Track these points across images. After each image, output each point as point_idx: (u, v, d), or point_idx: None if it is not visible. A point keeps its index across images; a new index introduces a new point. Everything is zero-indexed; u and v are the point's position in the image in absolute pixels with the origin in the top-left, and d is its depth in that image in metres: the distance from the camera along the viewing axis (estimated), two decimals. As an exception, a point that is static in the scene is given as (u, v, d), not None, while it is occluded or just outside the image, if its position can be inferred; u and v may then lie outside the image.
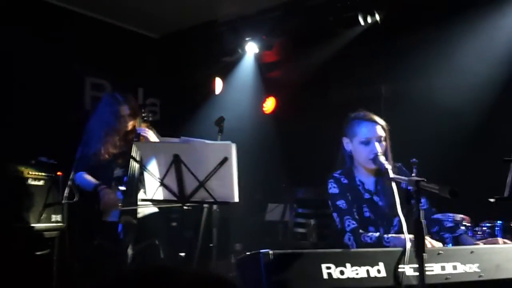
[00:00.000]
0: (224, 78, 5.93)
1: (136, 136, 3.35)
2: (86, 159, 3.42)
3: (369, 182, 2.62)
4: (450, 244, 2.40)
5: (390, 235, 2.30)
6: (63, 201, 3.79)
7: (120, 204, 3.18)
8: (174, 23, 5.64)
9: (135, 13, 5.34)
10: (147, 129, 3.36)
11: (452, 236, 2.42)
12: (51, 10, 4.93)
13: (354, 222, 2.45)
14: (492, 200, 1.92)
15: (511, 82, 4.07)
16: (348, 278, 1.72)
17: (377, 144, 2.49)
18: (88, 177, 3.42)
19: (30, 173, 3.92)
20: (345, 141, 2.64)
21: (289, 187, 4.38)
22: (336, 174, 2.62)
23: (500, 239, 2.17)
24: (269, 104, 6.12)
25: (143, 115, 3.49)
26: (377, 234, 2.34)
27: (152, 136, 3.33)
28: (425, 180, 1.76)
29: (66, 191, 3.73)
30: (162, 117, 5.95)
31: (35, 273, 3.69)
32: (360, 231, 2.41)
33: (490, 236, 3.05)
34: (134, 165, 3.31)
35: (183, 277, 0.56)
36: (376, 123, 2.55)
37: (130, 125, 3.42)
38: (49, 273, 3.80)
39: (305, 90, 5.73)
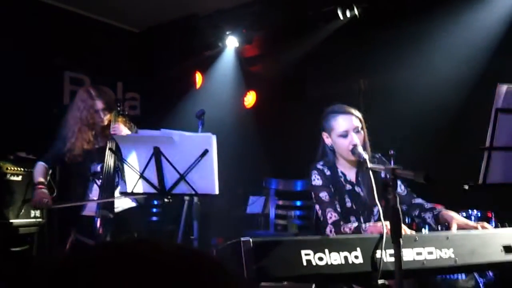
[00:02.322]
0: (204, 72, 5.92)
1: (111, 130, 3.33)
2: (57, 153, 3.38)
3: (350, 173, 2.67)
4: (432, 225, 2.47)
5: (368, 224, 2.35)
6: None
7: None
8: (154, 17, 5.61)
9: (115, 7, 5.29)
10: (121, 124, 3.34)
11: (433, 215, 2.49)
12: (31, 4, 4.86)
13: (336, 215, 2.49)
14: (466, 186, 1.97)
15: (481, 77, 4.18)
16: (327, 264, 1.75)
17: (354, 135, 2.54)
18: (39, 172, 3.37)
19: (9, 168, 3.87)
20: (325, 135, 2.67)
21: (270, 179, 4.40)
22: (319, 165, 2.65)
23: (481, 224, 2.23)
24: (250, 98, 6.13)
25: (118, 109, 3.46)
26: (356, 224, 2.39)
27: (126, 131, 3.30)
28: (401, 167, 1.80)
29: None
30: (142, 111, 5.93)
31: (14, 269, 3.66)
32: (340, 222, 2.46)
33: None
34: (110, 160, 3.30)
35: (169, 249, 0.57)
36: (352, 114, 2.60)
37: (105, 119, 3.38)
38: (28, 269, 3.77)
39: (284, 84, 5.77)
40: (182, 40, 5.65)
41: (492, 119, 2.10)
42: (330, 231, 2.47)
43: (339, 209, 2.54)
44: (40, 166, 3.39)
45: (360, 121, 2.62)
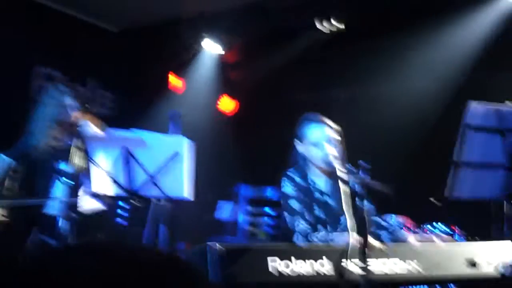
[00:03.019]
0: (183, 76, 5.88)
1: (79, 129, 3.25)
2: (21, 149, 3.29)
3: (320, 182, 2.66)
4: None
5: (334, 233, 2.35)
6: (2, 193, 3.64)
7: None
8: (133, 18, 5.56)
9: (94, 5, 5.22)
10: (90, 122, 3.28)
11: (388, 232, 2.49)
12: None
13: (304, 222, 2.48)
14: (432, 199, 2.00)
15: (456, 93, 4.27)
16: (293, 271, 1.74)
17: (327, 145, 2.54)
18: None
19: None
20: (297, 143, 2.67)
21: (240, 185, 4.39)
22: (290, 172, 2.64)
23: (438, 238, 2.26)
24: (225, 103, 6.11)
25: (88, 107, 3.39)
26: (322, 233, 2.39)
27: (94, 129, 3.24)
28: (369, 178, 1.81)
29: (9, 183, 3.59)
30: (115, 110, 5.83)
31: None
32: (308, 231, 2.45)
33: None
34: (75, 159, 3.22)
35: (143, 253, 0.56)
36: (326, 124, 2.60)
37: (73, 117, 3.31)
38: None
39: (262, 91, 5.78)
40: (161, 42, 5.60)
41: (460, 134, 2.14)
42: (297, 238, 2.47)
43: (308, 218, 2.53)
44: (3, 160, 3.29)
45: (336, 132, 2.62)
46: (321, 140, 2.55)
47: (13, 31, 4.68)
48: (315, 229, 2.52)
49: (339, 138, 2.64)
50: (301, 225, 2.48)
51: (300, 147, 2.65)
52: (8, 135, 3.64)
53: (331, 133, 2.59)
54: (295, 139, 2.67)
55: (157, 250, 0.59)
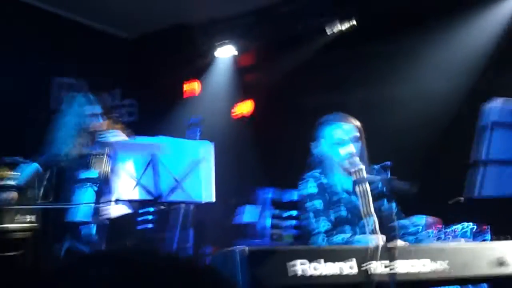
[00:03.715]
0: (201, 80, 5.94)
1: (107, 137, 3.33)
2: (52, 158, 3.39)
3: (347, 182, 2.65)
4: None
5: (358, 236, 2.34)
6: (38, 201, 3.75)
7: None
8: (150, 25, 5.65)
9: (111, 13, 5.33)
10: (117, 130, 3.35)
11: (415, 238, 2.48)
12: (26, 9, 4.87)
13: (329, 223, 2.48)
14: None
15: (472, 91, 4.22)
16: (321, 274, 1.75)
17: (351, 144, 2.53)
18: (29, 173, 3.39)
19: (4, 172, 3.85)
20: (317, 143, 2.66)
21: (265, 189, 4.41)
22: (316, 173, 2.64)
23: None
24: (245, 107, 6.13)
25: (114, 115, 3.48)
26: (348, 235, 2.39)
27: (122, 137, 3.31)
28: (396, 178, 1.81)
29: (41, 191, 3.69)
30: (140, 117, 5.93)
31: (8, 274, 3.63)
32: (332, 231, 2.45)
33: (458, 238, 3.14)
34: (105, 166, 3.30)
35: (165, 258, 0.58)
36: (350, 123, 2.59)
37: (102, 125, 3.39)
38: (20, 274, 3.74)
39: (279, 93, 5.79)
40: (178, 48, 5.68)
41: (479, 132, 2.11)
42: (323, 239, 2.47)
43: (332, 218, 2.53)
44: (34, 167, 3.40)
45: (359, 130, 2.61)
46: (346, 139, 2.54)
47: (34, 42, 4.80)
48: (341, 229, 2.51)
49: (363, 136, 2.63)
50: (326, 226, 2.48)
51: (321, 148, 2.64)
52: (34, 144, 3.75)
53: (355, 132, 2.58)
54: (314, 141, 2.67)
55: (179, 257, 0.61)
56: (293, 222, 4.31)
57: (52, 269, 0.56)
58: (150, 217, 4.71)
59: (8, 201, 3.20)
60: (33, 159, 3.47)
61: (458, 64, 4.38)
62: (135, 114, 5.94)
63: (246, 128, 5.97)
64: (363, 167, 2.35)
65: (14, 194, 3.25)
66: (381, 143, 2.70)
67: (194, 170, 2.61)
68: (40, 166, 3.41)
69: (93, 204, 3.25)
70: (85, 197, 3.37)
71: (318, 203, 2.56)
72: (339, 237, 2.40)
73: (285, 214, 4.35)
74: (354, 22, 4.62)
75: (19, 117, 4.55)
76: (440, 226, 3.24)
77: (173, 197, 2.71)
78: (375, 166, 2.71)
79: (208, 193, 2.67)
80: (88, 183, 3.35)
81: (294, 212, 4.35)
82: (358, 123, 2.64)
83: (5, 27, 4.62)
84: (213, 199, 2.68)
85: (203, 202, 2.72)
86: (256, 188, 4.76)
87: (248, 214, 4.97)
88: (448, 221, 3.08)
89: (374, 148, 2.69)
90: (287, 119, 5.62)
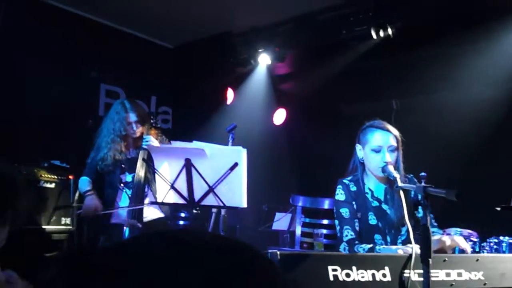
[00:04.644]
0: (236, 88, 6.00)
1: (143, 142, 3.41)
2: (94, 164, 3.49)
3: (378, 190, 2.64)
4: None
5: (382, 246, 2.33)
6: (73, 204, 3.85)
7: (99, 211, 3.29)
8: (188, 33, 5.74)
9: (151, 22, 5.45)
10: (153, 136, 3.42)
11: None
12: (71, 18, 5.04)
13: (353, 233, 2.48)
14: (498, 208, 1.94)
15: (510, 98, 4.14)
16: (354, 281, 1.74)
17: (388, 153, 2.52)
18: (86, 183, 3.49)
19: (43, 175, 3.98)
20: (358, 148, 2.67)
21: (296, 196, 4.39)
22: (345, 180, 2.65)
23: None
24: (280, 115, 6.16)
25: (151, 122, 3.56)
26: (370, 245, 2.37)
27: (157, 144, 3.38)
28: (432, 186, 1.79)
29: (77, 194, 3.80)
30: (174, 125, 6.03)
31: (45, 275, 3.73)
32: (354, 241, 2.44)
33: (495, 251, 3.05)
34: (140, 170, 3.37)
35: (223, 241, 0.58)
36: (390, 132, 2.58)
37: (138, 132, 3.49)
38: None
39: (316, 102, 5.78)
40: (216, 57, 5.75)
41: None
42: (344, 249, 2.47)
43: (357, 228, 2.52)
44: (85, 179, 3.51)
45: (397, 141, 2.59)
46: (383, 147, 2.53)
47: (79, 50, 4.96)
48: (371, 239, 2.50)
49: (401, 147, 2.61)
50: (349, 235, 2.48)
51: (360, 153, 2.65)
52: (77, 150, 3.87)
53: (393, 142, 2.56)
54: (357, 144, 2.67)
55: (243, 243, 0.61)
56: (324, 231, 4.28)
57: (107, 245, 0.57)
58: (182, 221, 4.77)
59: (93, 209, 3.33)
60: (83, 173, 3.58)
61: (500, 70, 4.29)
62: (169, 122, 6.04)
63: (281, 136, 5.98)
64: (397, 176, 2.34)
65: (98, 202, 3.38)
66: (421, 151, 2.67)
67: (227, 175, 2.63)
68: (88, 176, 3.53)
69: (127, 208, 3.33)
70: (122, 201, 3.45)
71: (344, 211, 2.56)
72: (360, 248, 2.39)
73: (316, 223, 4.32)
74: (394, 30, 4.56)
75: (70, 124, 4.70)
76: (475, 239, 3.16)
77: (205, 202, 2.74)
78: (409, 175, 2.69)
79: (240, 199, 2.69)
80: (126, 187, 3.44)
81: (325, 221, 4.32)
82: (397, 133, 2.62)
83: (56, 37, 4.79)
84: (245, 205, 2.69)
85: (234, 207, 2.74)
86: (287, 195, 4.75)
87: (280, 221, 4.97)
88: (484, 234, 3.01)
89: (414, 156, 2.66)
90: (321, 128, 5.61)
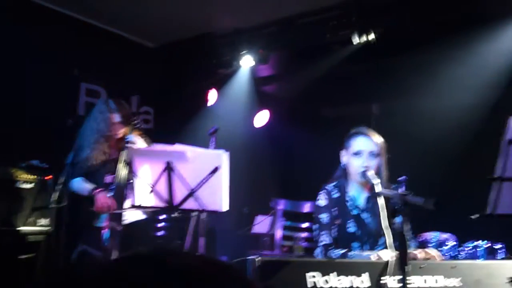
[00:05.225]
0: (218, 90, 5.98)
1: (125, 143, 3.38)
2: (80, 164, 3.44)
3: (360, 198, 2.66)
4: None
5: (353, 252, 2.36)
6: (51, 205, 3.79)
7: (113, 208, 3.22)
8: (171, 34, 5.70)
9: (134, 22, 5.39)
10: (136, 137, 3.39)
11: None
12: (51, 15, 4.96)
13: (329, 239, 2.51)
14: (473, 217, 1.97)
15: (493, 107, 4.21)
16: (332, 287, 1.75)
17: (368, 158, 2.54)
18: (84, 182, 3.44)
19: (20, 176, 3.91)
20: (342, 153, 2.69)
21: (277, 200, 4.41)
22: (328, 186, 2.67)
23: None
24: (262, 118, 6.17)
25: (134, 122, 3.52)
26: (344, 250, 2.40)
27: (140, 144, 3.35)
28: (411, 193, 1.81)
29: (55, 195, 3.74)
30: (155, 125, 5.98)
31: (19, 276, 3.67)
32: (331, 247, 2.49)
33: (472, 256, 3.10)
34: (121, 172, 3.33)
35: (199, 262, 0.58)
36: (371, 138, 2.60)
37: (120, 132, 3.45)
38: (32, 277, 3.78)
39: (298, 105, 5.81)
40: (198, 58, 5.73)
41: (503, 149, 2.10)
42: (319, 253, 2.51)
43: (334, 234, 2.55)
44: (80, 179, 3.46)
45: (380, 148, 2.62)
46: (363, 152, 2.55)
47: (59, 48, 4.89)
48: (347, 246, 2.51)
49: (383, 154, 2.63)
50: (325, 240, 2.50)
51: (344, 158, 2.67)
52: (56, 150, 3.81)
53: (374, 148, 2.58)
54: (342, 150, 2.69)
55: (211, 259, 0.62)
56: (304, 234, 4.30)
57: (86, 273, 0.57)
58: (161, 224, 4.74)
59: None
60: (74, 174, 3.52)
61: (481, 78, 4.37)
62: (151, 122, 6.00)
63: (262, 138, 5.99)
64: (377, 181, 2.36)
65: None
66: (401, 156, 2.69)
67: (208, 179, 2.63)
68: (78, 173, 3.47)
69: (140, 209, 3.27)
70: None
71: (324, 216, 2.59)
72: (333, 253, 2.43)
73: (297, 226, 4.34)
74: (376, 35, 4.60)
75: (49, 123, 4.61)
76: (453, 243, 3.21)
77: (185, 205, 2.73)
78: (392, 186, 2.71)
79: (220, 202, 2.68)
80: (107, 189, 3.40)
81: (306, 224, 4.35)
82: (380, 140, 2.65)
83: (36, 34, 4.71)
84: (226, 209, 2.68)
85: (215, 211, 2.73)
86: (268, 198, 4.77)
87: (260, 225, 4.98)
88: (462, 238, 3.06)
89: (393, 160, 2.69)
90: (303, 130, 5.63)
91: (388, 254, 1.88)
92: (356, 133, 2.65)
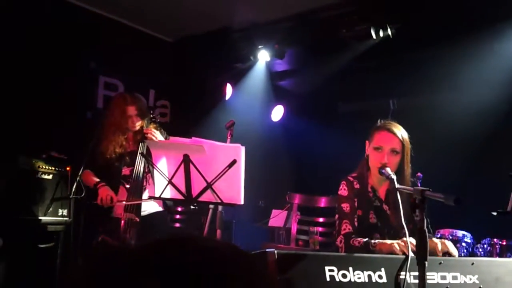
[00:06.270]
0: (235, 84, 6.00)
1: (143, 136, 3.42)
2: (95, 157, 3.48)
3: (381, 190, 2.66)
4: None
5: (377, 240, 2.33)
6: (70, 196, 3.85)
7: (116, 202, 3.26)
8: (188, 28, 5.72)
9: (152, 16, 5.42)
10: (154, 130, 3.42)
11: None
12: (69, 9, 5.01)
13: (350, 227, 2.51)
14: (494, 213, 1.96)
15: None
16: (350, 281, 1.76)
17: (388, 154, 2.52)
18: (92, 176, 3.49)
19: (41, 167, 3.98)
20: (366, 144, 2.68)
21: (293, 194, 4.41)
22: (350, 177, 2.67)
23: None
24: (278, 112, 6.17)
25: (151, 116, 3.56)
26: (366, 239, 2.38)
27: (159, 137, 3.39)
28: (430, 189, 1.80)
29: (74, 186, 3.80)
30: (172, 119, 6.02)
31: (39, 265, 3.74)
32: (353, 236, 2.47)
33: (488, 254, 3.09)
34: (139, 164, 3.38)
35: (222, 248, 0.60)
36: (395, 135, 2.57)
37: (137, 125, 3.48)
38: (52, 266, 3.86)
39: (314, 100, 5.79)
40: (215, 52, 5.74)
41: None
42: (340, 241, 2.49)
43: (356, 223, 2.54)
44: (88, 172, 3.51)
45: (402, 144, 2.57)
46: (384, 147, 2.54)
47: (78, 41, 4.94)
48: (369, 237, 2.51)
49: (401, 149, 2.59)
50: (347, 229, 2.50)
51: (367, 149, 2.66)
52: (75, 142, 3.87)
53: (396, 145, 2.55)
54: (367, 141, 2.68)
55: (229, 243, 0.63)
56: (320, 228, 4.31)
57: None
58: (178, 216, 4.79)
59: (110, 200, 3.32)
60: (85, 166, 3.57)
61: (503, 74, 4.30)
62: (167, 116, 6.04)
63: (278, 133, 5.99)
64: (394, 177, 2.35)
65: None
66: (418, 151, 2.67)
67: (226, 171, 2.64)
68: (90, 169, 3.52)
69: (127, 201, 3.33)
70: (121, 194, 3.45)
71: (345, 206, 2.58)
72: (356, 241, 2.42)
73: (312, 220, 4.35)
74: (393, 30, 4.56)
75: (68, 115, 4.68)
76: (469, 241, 3.19)
77: (203, 198, 2.75)
78: (413, 179, 2.70)
79: (237, 196, 2.70)
80: (125, 181, 3.44)
81: (321, 219, 4.35)
82: (405, 136, 2.60)
83: (56, 28, 4.77)
84: (242, 202, 2.70)
85: (232, 203, 2.75)
86: (284, 192, 4.78)
87: (275, 218, 5.00)
88: (478, 236, 3.04)
89: (413, 157, 2.66)
90: (319, 125, 5.62)
91: (409, 242, 1.89)
92: (379, 127, 2.62)
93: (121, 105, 3.45)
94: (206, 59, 5.83)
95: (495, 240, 3.15)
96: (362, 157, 2.71)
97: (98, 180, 3.42)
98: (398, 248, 2.09)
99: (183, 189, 2.76)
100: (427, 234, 1.75)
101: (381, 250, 2.21)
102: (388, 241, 2.21)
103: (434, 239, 2.18)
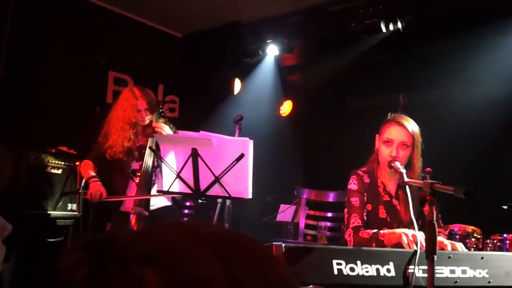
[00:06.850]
0: (243, 79, 5.99)
1: (152, 130, 3.42)
2: (100, 150, 3.49)
3: (390, 185, 2.64)
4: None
5: (386, 230, 2.31)
6: (79, 190, 3.88)
7: (105, 198, 3.29)
8: (197, 23, 5.72)
9: (161, 11, 5.43)
10: (163, 125, 3.43)
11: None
12: (79, 4, 5.03)
13: (360, 221, 2.49)
14: (504, 207, 1.93)
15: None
16: (358, 275, 1.75)
17: (398, 148, 2.50)
18: (89, 167, 3.49)
19: (50, 161, 4.01)
20: (376, 137, 2.66)
21: (301, 189, 4.40)
22: (360, 171, 2.65)
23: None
24: (287, 107, 6.16)
25: (160, 111, 3.56)
26: (374, 230, 2.37)
27: (168, 131, 3.39)
28: (440, 182, 1.78)
29: (83, 180, 3.82)
30: (181, 114, 6.03)
31: (48, 259, 3.78)
32: (361, 229, 2.45)
33: (498, 249, 3.05)
34: (148, 159, 3.38)
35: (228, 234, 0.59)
36: (405, 128, 2.54)
37: (147, 119, 3.49)
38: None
39: (323, 94, 5.76)
40: (224, 47, 5.73)
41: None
42: (349, 235, 2.48)
43: (365, 218, 2.53)
44: (88, 162, 3.52)
45: (412, 138, 2.55)
46: (393, 141, 2.51)
47: (88, 37, 4.96)
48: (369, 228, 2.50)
49: (412, 143, 2.57)
50: (356, 222, 2.49)
51: (377, 143, 2.64)
52: (84, 137, 3.89)
53: (406, 139, 2.53)
54: (377, 135, 2.66)
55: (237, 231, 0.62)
56: (328, 223, 4.29)
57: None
58: (186, 210, 4.80)
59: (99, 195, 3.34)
60: (86, 155, 3.59)
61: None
62: (176, 111, 6.05)
63: (287, 127, 5.98)
64: (403, 171, 2.33)
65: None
66: (428, 145, 2.64)
67: (234, 165, 2.64)
68: (91, 160, 3.53)
69: (136, 196, 3.34)
70: (128, 188, 3.47)
71: (354, 200, 2.57)
72: (365, 232, 2.40)
73: (320, 215, 4.34)
74: (403, 24, 4.51)
75: (78, 110, 4.70)
76: (479, 235, 3.15)
77: (211, 192, 2.75)
78: (423, 174, 2.67)
79: (245, 190, 2.70)
80: (134, 175, 3.46)
81: (329, 214, 4.33)
82: (416, 130, 2.57)
83: (66, 23, 4.79)
84: (250, 196, 2.70)
85: (240, 198, 2.75)
86: (292, 187, 4.77)
87: (283, 213, 4.99)
88: (488, 231, 3.01)
89: (424, 151, 2.63)
90: (328, 120, 5.60)
91: (418, 234, 1.88)
92: (390, 121, 2.59)
93: (131, 99, 3.46)
94: (214, 53, 5.83)
95: (505, 235, 3.12)
96: (372, 152, 2.69)
97: (93, 174, 3.43)
98: (406, 241, 2.07)
99: (191, 183, 2.76)
100: (436, 227, 1.73)
101: (389, 240, 2.19)
102: (398, 230, 2.19)
103: (444, 241, 2.15)
